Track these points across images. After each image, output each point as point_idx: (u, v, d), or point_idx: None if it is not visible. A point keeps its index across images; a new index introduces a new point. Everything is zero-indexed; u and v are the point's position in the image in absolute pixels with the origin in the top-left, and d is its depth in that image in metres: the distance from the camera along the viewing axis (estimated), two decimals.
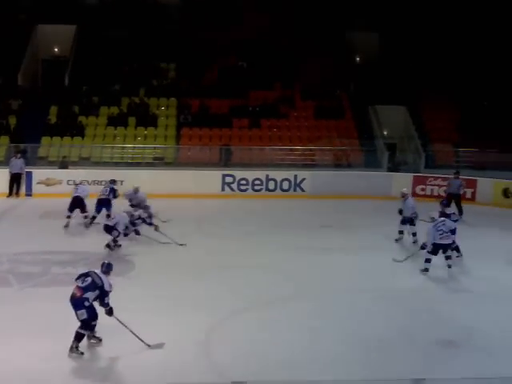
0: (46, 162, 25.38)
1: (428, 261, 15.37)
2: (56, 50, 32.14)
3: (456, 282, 15.10)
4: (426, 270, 15.34)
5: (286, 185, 24.56)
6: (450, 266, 15.48)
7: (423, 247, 15.63)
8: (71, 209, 18.91)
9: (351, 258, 16.54)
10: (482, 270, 15.78)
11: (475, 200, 23.51)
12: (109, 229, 16.34)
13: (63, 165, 24.62)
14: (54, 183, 23.19)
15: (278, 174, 24.54)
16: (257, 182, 24.49)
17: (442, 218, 15.80)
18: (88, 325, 10.57)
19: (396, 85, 29.49)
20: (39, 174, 23.59)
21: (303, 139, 27.67)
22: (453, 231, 15.61)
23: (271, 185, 24.50)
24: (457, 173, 22.15)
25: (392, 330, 12.02)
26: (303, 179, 24.68)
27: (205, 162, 25.87)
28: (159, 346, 10.83)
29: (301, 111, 29.35)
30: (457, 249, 16.29)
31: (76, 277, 10.78)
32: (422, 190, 24.42)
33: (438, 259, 15.43)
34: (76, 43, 31.64)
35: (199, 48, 30.26)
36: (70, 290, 10.54)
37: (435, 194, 23.83)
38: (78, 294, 10.51)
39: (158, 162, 25.81)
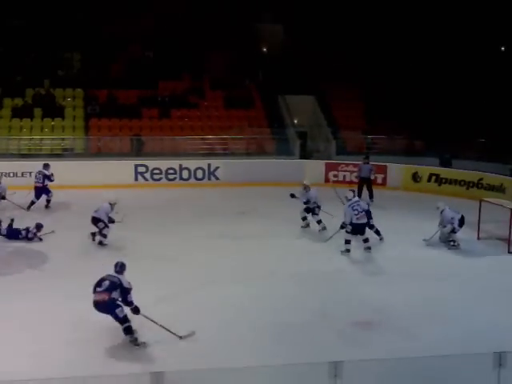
0: None
1: (348, 242, 15.68)
2: None
3: (370, 263, 15.45)
4: (348, 250, 15.66)
5: (200, 173, 24.46)
6: (369, 248, 15.86)
7: (343, 226, 15.90)
8: None
9: (265, 243, 16.63)
10: (394, 250, 16.25)
11: (386, 185, 24.00)
12: (95, 220, 16.13)
13: None
14: None
15: (192, 163, 24.38)
16: (170, 171, 24.31)
17: (356, 199, 16.27)
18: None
19: (303, 74, 29.77)
20: None
21: (215, 129, 27.56)
22: (367, 212, 15.99)
23: (185, 174, 24.36)
24: (366, 158, 22.58)
25: (308, 313, 12.12)
26: (217, 168, 24.65)
27: (116, 152, 25.40)
28: (191, 335, 10.83)
29: (211, 101, 29.23)
30: (377, 232, 16.67)
31: (93, 287, 10.57)
32: (335, 176, 24.80)
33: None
34: None
35: (105, 37, 29.63)
36: None
37: (347, 179, 24.23)
38: (106, 298, 10.38)
39: (68, 153, 25.18)
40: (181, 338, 10.74)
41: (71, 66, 30.02)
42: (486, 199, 18.11)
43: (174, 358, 10.09)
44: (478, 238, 17.31)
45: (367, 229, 16.27)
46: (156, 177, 24.17)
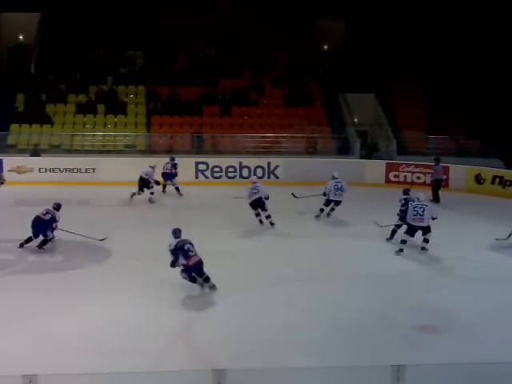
0: (15, 150, 25.01)
1: (403, 242, 15.57)
2: (21, 37, 31.56)
3: (435, 265, 15.16)
4: (401, 250, 15.54)
5: (259, 172, 24.49)
6: (423, 249, 15.65)
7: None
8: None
9: (327, 243, 16.47)
10: (458, 252, 15.82)
11: (448, 186, 23.62)
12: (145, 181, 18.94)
13: (35, 152, 24.25)
14: (25, 171, 22.78)
15: (252, 162, 24.45)
16: (230, 169, 24.42)
17: (424, 202, 15.93)
18: None
19: (364, 72, 29.57)
20: (10, 161, 23.15)
21: (274, 127, 27.62)
22: (429, 215, 15.67)
23: (245, 172, 24.42)
24: (437, 159, 22.38)
25: (371, 315, 11.95)
26: (277, 166, 24.65)
27: (177, 149, 25.63)
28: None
29: (271, 99, 29.30)
30: (425, 240, 15.92)
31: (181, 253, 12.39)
32: (396, 176, 24.52)
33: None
34: (41, 31, 31.10)
35: (167, 35, 29.94)
36: (46, 278, 10.34)
37: (408, 180, 23.92)
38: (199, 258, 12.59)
39: (130, 150, 25.53)
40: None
41: (133, 64, 30.44)
42: None
43: (236, 356, 10.08)
44: None
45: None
46: (216, 175, 24.33)
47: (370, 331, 11.30)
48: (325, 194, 18.85)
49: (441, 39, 29.91)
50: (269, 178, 24.44)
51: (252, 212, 18.12)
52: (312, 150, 26.63)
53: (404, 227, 16.18)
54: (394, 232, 16.51)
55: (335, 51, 32.19)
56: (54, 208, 15.34)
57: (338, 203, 18.97)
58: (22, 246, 15.16)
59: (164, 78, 28.97)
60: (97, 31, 30.01)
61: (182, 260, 12.54)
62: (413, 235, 15.73)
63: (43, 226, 15.09)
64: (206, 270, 12.69)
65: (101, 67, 29.27)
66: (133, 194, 20.38)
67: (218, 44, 30.95)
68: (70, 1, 30.82)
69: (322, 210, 19.18)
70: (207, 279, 12.69)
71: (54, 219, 15.08)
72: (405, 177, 24.41)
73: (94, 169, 22.24)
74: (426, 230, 15.71)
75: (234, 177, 24.34)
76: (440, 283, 13.92)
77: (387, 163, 25.11)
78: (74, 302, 11.98)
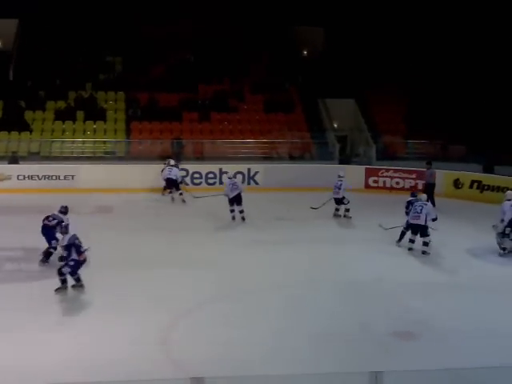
0: None
1: (410, 241, 16.43)
2: None
3: (412, 272, 15.20)
4: (409, 249, 16.41)
5: (239, 178, 24.39)
6: (423, 252, 16.15)
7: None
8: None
9: (304, 250, 16.48)
10: (436, 259, 16.06)
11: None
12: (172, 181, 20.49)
13: (13, 160, 24.11)
14: (3, 178, 22.64)
15: (232, 168, 24.38)
16: (210, 175, 24.42)
17: (424, 201, 16.56)
18: None
19: (344, 78, 29.67)
20: None
21: (254, 132, 27.66)
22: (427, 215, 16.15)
23: (225, 178, 24.30)
24: (429, 163, 22.60)
25: (348, 322, 12.02)
26: (256, 172, 24.67)
27: (157, 155, 25.60)
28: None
29: (250, 105, 29.33)
30: (425, 243, 16.44)
31: None
32: (375, 181, 24.65)
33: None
34: (19, 37, 30.91)
35: (147, 41, 29.91)
36: (24, 286, 10.28)
37: (387, 185, 24.03)
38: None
39: (110, 157, 25.45)
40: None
41: (113, 70, 30.35)
42: None
43: (215, 364, 10.07)
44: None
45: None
46: (196, 181, 24.27)
47: (349, 338, 11.34)
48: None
49: (420, 44, 30.00)
50: (249, 184, 24.40)
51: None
52: (291, 156, 26.64)
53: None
54: (402, 234, 16.85)
55: (315, 57, 32.26)
56: (61, 212, 14.97)
57: (336, 201, 19.91)
58: (44, 261, 14.74)
59: (143, 83, 28.89)
60: (76, 37, 29.91)
61: (74, 255, 12.74)
62: (415, 233, 16.29)
63: (50, 232, 14.71)
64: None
65: (80, 73, 29.11)
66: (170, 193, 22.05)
67: (197, 50, 30.91)
68: (48, 7, 30.62)
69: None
70: (79, 279, 12.98)
71: (60, 223, 14.48)
72: (384, 182, 24.55)
73: (73, 176, 22.15)
74: (423, 231, 16.16)
75: (214, 183, 24.30)
76: (417, 290, 13.92)
77: (366, 168, 25.22)
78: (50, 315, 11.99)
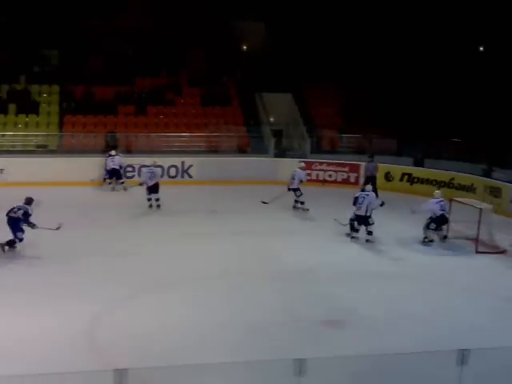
0: None
1: (356, 230, 17.07)
2: None
3: (341, 262, 15.45)
4: (352, 237, 16.99)
5: (173, 171, 24.41)
6: (367, 241, 16.75)
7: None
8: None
9: (237, 242, 16.60)
10: (365, 249, 16.46)
11: (359, 184, 24.01)
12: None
13: None
14: None
15: (165, 161, 24.28)
16: (143, 169, 24.03)
17: (367, 192, 17.16)
18: None
19: (281, 72, 29.82)
20: None
21: (190, 126, 27.54)
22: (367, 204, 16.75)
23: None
24: (371, 156, 23.10)
25: (277, 312, 12.15)
26: (190, 165, 24.60)
27: (90, 149, 25.28)
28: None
29: (188, 98, 29.17)
30: (369, 232, 17.02)
31: None
32: (308, 175, 24.68)
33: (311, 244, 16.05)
34: None
35: (83, 34, 29.40)
36: None
37: (320, 178, 24.30)
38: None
39: (41, 150, 24.99)
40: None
41: (48, 63, 29.80)
42: (456, 199, 18.22)
43: (140, 355, 10.06)
44: (448, 238, 17.38)
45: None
46: (129, 174, 24.07)
47: (278, 327, 11.47)
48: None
49: (354, 39, 30.35)
50: (182, 177, 24.40)
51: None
52: (226, 150, 26.62)
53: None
54: (351, 226, 17.25)
55: (253, 51, 32.31)
56: (26, 203, 14.98)
57: (292, 191, 20.21)
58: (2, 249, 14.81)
59: (80, 76, 28.45)
60: (10, 29, 29.23)
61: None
62: (359, 223, 16.95)
63: (16, 224, 14.78)
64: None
65: (14, 66, 28.52)
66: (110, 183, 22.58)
67: (134, 42, 30.54)
68: None
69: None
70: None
71: (27, 214, 14.74)
72: (317, 175, 24.77)
73: (2, 169, 21.70)
74: (365, 220, 16.72)
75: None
76: (344, 278, 14.21)
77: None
78: None
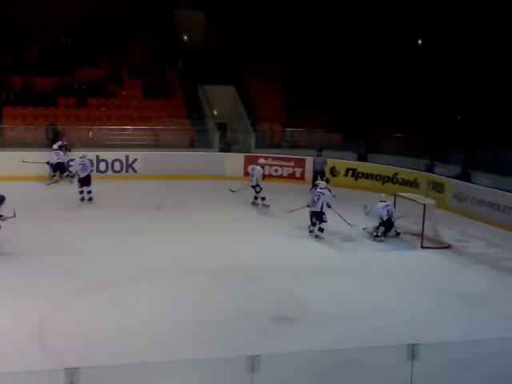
0: None
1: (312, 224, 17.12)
2: None
3: (290, 258, 15.41)
4: (310, 231, 17.06)
5: (117, 166, 24.06)
6: (316, 236, 16.77)
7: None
8: None
9: (184, 238, 16.45)
10: (313, 245, 16.46)
11: (305, 179, 24.18)
12: None
13: None
14: None
15: (109, 155, 23.94)
16: None
17: (321, 189, 17.14)
18: None
19: (224, 64, 29.73)
20: None
21: (133, 119, 27.23)
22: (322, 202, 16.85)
23: (102, 166, 23.94)
24: (320, 151, 23.27)
25: (227, 308, 12.09)
26: (135, 160, 24.27)
27: (30, 142, 24.70)
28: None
29: (129, 90, 28.87)
30: (320, 229, 17.05)
31: None
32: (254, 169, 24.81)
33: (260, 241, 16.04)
34: None
35: (20, 23, 28.73)
36: None
37: (266, 173, 24.25)
38: None
39: None
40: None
41: None
42: (400, 194, 18.40)
43: (92, 353, 9.86)
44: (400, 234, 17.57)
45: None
46: (72, 169, 23.53)
47: (228, 324, 11.40)
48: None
49: (299, 31, 30.47)
50: (127, 171, 24.11)
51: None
52: (170, 143, 26.37)
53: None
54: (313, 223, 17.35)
55: (195, 42, 32.08)
56: None
57: (252, 187, 20.21)
58: None
59: (17, 67, 27.83)
60: None
61: None
62: (311, 219, 16.98)
63: None
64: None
65: None
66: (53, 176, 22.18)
67: (74, 32, 29.99)
68: None
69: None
70: None
71: None
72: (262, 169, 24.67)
73: None
74: (319, 217, 16.77)
75: (91, 171, 23.61)
76: (292, 274, 14.19)
77: (245, 156, 25.38)
78: None
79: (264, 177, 20.52)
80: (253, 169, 20.76)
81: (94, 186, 20.44)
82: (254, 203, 20.35)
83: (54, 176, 22.72)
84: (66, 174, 22.54)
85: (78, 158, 20.76)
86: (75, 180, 21.23)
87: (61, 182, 22.63)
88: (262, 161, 21.28)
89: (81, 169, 20.04)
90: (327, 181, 18.50)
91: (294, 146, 26.37)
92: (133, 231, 16.75)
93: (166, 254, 15.14)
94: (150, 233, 16.67)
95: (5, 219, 14.45)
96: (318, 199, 16.82)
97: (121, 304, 12.06)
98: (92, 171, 20.71)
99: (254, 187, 20.23)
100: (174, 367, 8.37)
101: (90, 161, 21.53)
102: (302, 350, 9.62)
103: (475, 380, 9.27)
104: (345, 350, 9.24)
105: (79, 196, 19.92)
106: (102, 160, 23.87)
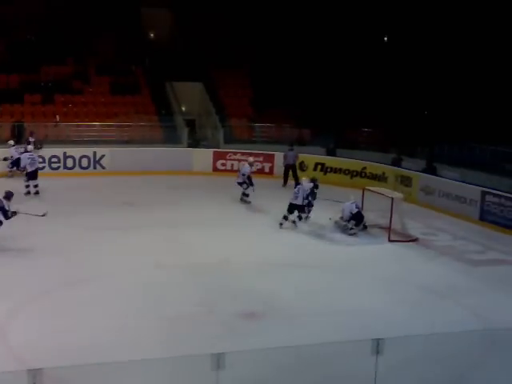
0: None
1: (285, 218, 17.38)
2: None
3: (256, 253, 15.39)
4: (281, 224, 17.34)
5: (85, 162, 23.87)
6: (293, 222, 17.43)
7: None
8: None
9: (152, 234, 16.30)
10: (279, 240, 16.53)
11: (273, 174, 24.22)
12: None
13: None
14: None
15: (76, 152, 23.74)
16: (54, 159, 23.60)
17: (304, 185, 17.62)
18: None
19: (191, 61, 29.63)
20: None
21: (100, 115, 27.00)
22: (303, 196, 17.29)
23: (69, 162, 23.72)
24: (291, 145, 23.51)
25: (193, 305, 12.01)
26: (102, 156, 24.10)
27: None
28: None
29: (96, 87, 28.61)
30: (299, 217, 17.67)
31: None
32: (223, 165, 24.82)
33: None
34: None
35: None
36: None
37: (235, 168, 24.27)
38: None
39: None
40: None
41: None
42: (368, 188, 18.48)
43: (56, 353, 9.74)
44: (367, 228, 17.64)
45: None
46: (39, 165, 23.21)
47: (195, 321, 11.34)
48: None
49: (267, 27, 30.42)
50: (95, 168, 23.92)
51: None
52: (139, 139, 26.17)
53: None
54: (285, 216, 17.58)
55: (162, 39, 31.92)
56: (4, 197, 14.73)
57: (239, 184, 20.23)
58: None
59: None
60: None
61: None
62: (290, 212, 17.35)
63: None
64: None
65: None
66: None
67: (40, 29, 29.66)
68: None
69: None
70: None
71: (2, 208, 14.41)
72: (232, 165, 24.71)
73: None
74: (301, 209, 17.32)
75: (58, 168, 23.56)
76: (259, 270, 14.19)
77: (214, 152, 25.36)
78: None
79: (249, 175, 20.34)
80: (243, 165, 20.77)
81: (61, 182, 20.21)
82: (241, 200, 20.23)
83: (10, 171, 22.42)
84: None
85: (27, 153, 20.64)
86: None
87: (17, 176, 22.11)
88: (251, 159, 21.20)
89: (29, 163, 20.04)
90: (315, 181, 18.56)
91: (263, 141, 26.28)
92: (98, 227, 16.59)
93: (130, 250, 15.05)
94: (115, 228, 16.54)
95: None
96: (299, 191, 17.29)
97: (84, 303, 11.92)
98: (44, 168, 21.38)
99: (240, 184, 20.16)
100: (138, 366, 8.31)
101: (40, 157, 21.87)
102: (268, 347, 9.62)
103: (439, 373, 9.36)
104: (310, 345, 9.20)
105: (25, 190, 19.86)
106: (69, 156, 23.65)
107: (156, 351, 9.79)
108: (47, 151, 23.45)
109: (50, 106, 27.05)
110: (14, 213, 14.67)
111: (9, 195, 14.85)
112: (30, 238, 15.48)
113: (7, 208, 14.56)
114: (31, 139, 22.92)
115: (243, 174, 20.16)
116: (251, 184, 19.91)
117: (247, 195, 20.13)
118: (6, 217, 14.44)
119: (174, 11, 32.13)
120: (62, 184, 21.61)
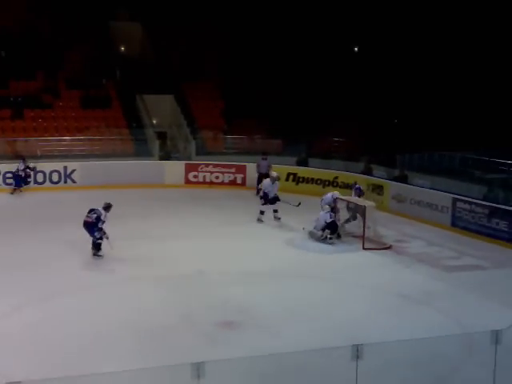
0: None
1: (262, 213, 18.85)
2: None
3: (231, 263, 15.40)
4: (260, 220, 18.74)
5: (55, 177, 23.70)
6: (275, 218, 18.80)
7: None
8: None
9: (125, 247, 16.02)
10: (254, 249, 16.55)
11: (246, 185, 24.25)
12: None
13: None
14: None
15: (47, 166, 23.56)
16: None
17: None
18: None
19: (161, 73, 29.62)
20: None
21: (71, 129, 26.86)
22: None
23: (40, 177, 23.53)
24: (264, 154, 23.67)
25: (171, 315, 12.03)
26: (73, 170, 23.95)
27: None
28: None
29: (66, 101, 28.43)
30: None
31: None
32: (195, 177, 24.79)
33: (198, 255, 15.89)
34: None
35: None
36: None
37: (207, 180, 24.29)
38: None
39: None
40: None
41: None
42: (341, 197, 18.52)
43: (31, 366, 9.67)
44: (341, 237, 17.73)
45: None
46: (9, 181, 23.17)
47: (172, 331, 11.33)
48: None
49: (236, 39, 30.56)
50: (65, 182, 23.76)
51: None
52: (110, 153, 26.02)
53: None
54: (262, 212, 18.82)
55: (132, 52, 31.87)
56: (103, 208, 15.17)
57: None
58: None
59: None
60: None
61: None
62: (271, 203, 18.87)
63: (91, 228, 15.09)
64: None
65: None
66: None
67: (8, 44, 29.42)
68: None
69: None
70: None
71: (99, 218, 14.95)
72: (204, 177, 24.74)
73: None
74: (274, 200, 18.99)
75: (29, 182, 23.26)
76: (238, 279, 14.22)
77: (186, 164, 25.32)
78: None
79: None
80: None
81: (31, 197, 19.89)
82: (275, 217, 19.39)
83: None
84: None
85: None
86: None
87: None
88: (274, 174, 20.32)
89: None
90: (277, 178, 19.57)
91: (235, 152, 26.31)
92: (70, 241, 16.42)
93: (104, 263, 15.00)
94: (88, 242, 16.26)
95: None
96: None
97: (62, 316, 11.88)
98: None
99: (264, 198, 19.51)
100: (119, 377, 8.26)
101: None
102: (248, 355, 9.61)
103: (419, 378, 9.43)
104: (290, 353, 9.23)
105: None
106: (40, 171, 23.43)
107: (134, 362, 9.74)
108: (17, 166, 23.15)
109: (20, 121, 26.82)
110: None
111: (107, 207, 15.26)
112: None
113: (104, 219, 15.06)
114: None
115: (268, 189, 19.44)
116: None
117: (276, 211, 19.33)
118: (99, 229, 15.03)
119: (144, 24, 32.11)
120: (32, 199, 21.44)
